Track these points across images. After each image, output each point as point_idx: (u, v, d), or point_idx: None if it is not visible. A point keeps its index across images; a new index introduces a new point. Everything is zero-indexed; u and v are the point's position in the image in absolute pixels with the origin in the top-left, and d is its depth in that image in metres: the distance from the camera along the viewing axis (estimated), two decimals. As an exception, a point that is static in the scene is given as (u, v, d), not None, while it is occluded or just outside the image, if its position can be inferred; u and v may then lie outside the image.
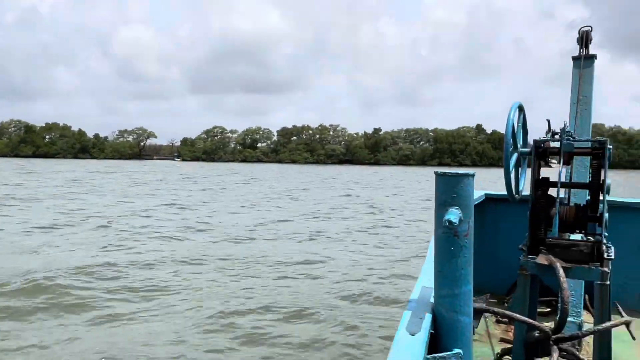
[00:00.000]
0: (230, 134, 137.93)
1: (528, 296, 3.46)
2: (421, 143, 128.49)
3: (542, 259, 3.31)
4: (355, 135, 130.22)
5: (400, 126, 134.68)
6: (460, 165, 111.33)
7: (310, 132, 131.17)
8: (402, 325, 1.69)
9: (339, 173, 71.87)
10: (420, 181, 52.70)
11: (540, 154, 3.60)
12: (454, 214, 1.74)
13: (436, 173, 1.87)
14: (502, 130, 3.63)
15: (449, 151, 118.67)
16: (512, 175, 4.10)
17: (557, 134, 3.63)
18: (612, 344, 3.79)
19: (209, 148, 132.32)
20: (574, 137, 3.49)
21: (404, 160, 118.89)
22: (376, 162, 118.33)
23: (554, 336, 3.09)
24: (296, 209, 23.94)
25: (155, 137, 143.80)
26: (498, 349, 4.13)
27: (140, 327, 7.22)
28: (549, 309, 5.06)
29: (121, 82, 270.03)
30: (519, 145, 3.93)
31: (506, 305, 5.31)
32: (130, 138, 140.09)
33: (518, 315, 3.12)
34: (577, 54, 4.96)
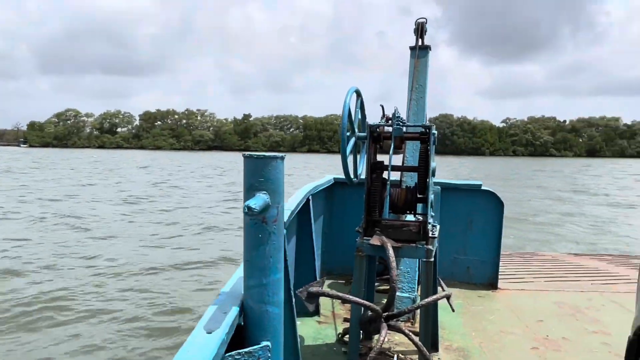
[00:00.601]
0: (85, 118, 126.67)
1: (364, 276, 3.56)
2: (291, 130, 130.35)
3: (375, 240, 3.42)
4: (224, 120, 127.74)
5: (270, 112, 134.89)
6: (329, 151, 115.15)
7: (176, 116, 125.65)
8: (201, 323, 1.55)
9: (212, 160, 69.93)
10: (297, 167, 52.54)
11: (375, 138, 3.70)
12: (256, 200, 1.63)
13: (244, 155, 1.75)
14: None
15: (318, 138, 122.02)
16: (351, 159, 4.21)
17: (391, 119, 3.78)
18: (440, 314, 4.10)
19: (61, 133, 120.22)
20: (404, 122, 3.65)
21: (275, 147, 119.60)
22: (246, 149, 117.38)
23: (384, 314, 3.22)
24: (172, 200, 22.81)
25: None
26: (341, 329, 4.24)
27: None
28: (391, 286, 5.33)
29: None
30: (356, 130, 4.04)
31: None
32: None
33: (349, 297, 3.19)
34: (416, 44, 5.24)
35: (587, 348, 4.03)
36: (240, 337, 1.75)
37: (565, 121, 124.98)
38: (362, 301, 3.15)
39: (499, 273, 5.66)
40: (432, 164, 3.62)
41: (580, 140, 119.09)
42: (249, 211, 1.55)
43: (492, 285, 5.60)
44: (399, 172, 4.42)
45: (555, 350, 3.99)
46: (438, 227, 3.72)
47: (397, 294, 4.64)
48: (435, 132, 3.62)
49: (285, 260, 3.23)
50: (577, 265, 7.02)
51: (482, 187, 5.62)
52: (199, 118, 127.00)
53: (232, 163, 59.91)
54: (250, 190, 1.72)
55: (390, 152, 3.56)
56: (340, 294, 3.21)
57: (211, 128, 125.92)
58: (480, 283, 5.64)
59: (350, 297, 3.17)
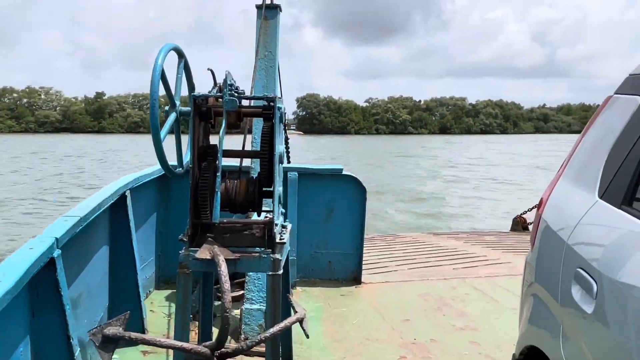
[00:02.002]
0: None
1: (190, 301, 2.67)
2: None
3: (204, 252, 2.55)
4: (74, 99, 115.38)
5: (127, 91, 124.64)
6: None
7: (15, 95, 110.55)
8: None
9: (57, 143, 62.57)
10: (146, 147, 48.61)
11: (204, 114, 2.79)
12: None
13: None
14: None
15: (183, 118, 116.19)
16: (181, 144, 3.29)
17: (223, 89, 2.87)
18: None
19: None
20: (239, 93, 2.77)
21: (134, 128, 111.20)
22: (101, 130, 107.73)
23: (216, 353, 2.37)
24: None
25: None
26: (173, 360, 3.31)
27: None
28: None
29: None
30: (178, 104, 3.10)
31: None
32: None
33: (163, 341, 2.29)
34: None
35: (457, 351, 3.62)
36: None
37: (420, 101, 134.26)
38: (181, 345, 2.25)
39: (362, 263, 5.15)
40: (280, 148, 2.82)
41: (434, 118, 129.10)
42: None
43: (356, 279, 5.07)
44: (239, 160, 3.56)
45: (424, 358, 3.50)
46: (289, 226, 2.95)
47: (246, 306, 3.85)
48: (282, 106, 2.81)
49: (60, 297, 2.21)
50: (437, 247, 6.87)
51: (344, 172, 5.01)
52: (42, 97, 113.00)
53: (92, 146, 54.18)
54: None
55: (221, 131, 2.68)
56: (150, 338, 2.29)
57: (58, 108, 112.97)
58: (343, 278, 5.08)
59: (164, 341, 2.27)
